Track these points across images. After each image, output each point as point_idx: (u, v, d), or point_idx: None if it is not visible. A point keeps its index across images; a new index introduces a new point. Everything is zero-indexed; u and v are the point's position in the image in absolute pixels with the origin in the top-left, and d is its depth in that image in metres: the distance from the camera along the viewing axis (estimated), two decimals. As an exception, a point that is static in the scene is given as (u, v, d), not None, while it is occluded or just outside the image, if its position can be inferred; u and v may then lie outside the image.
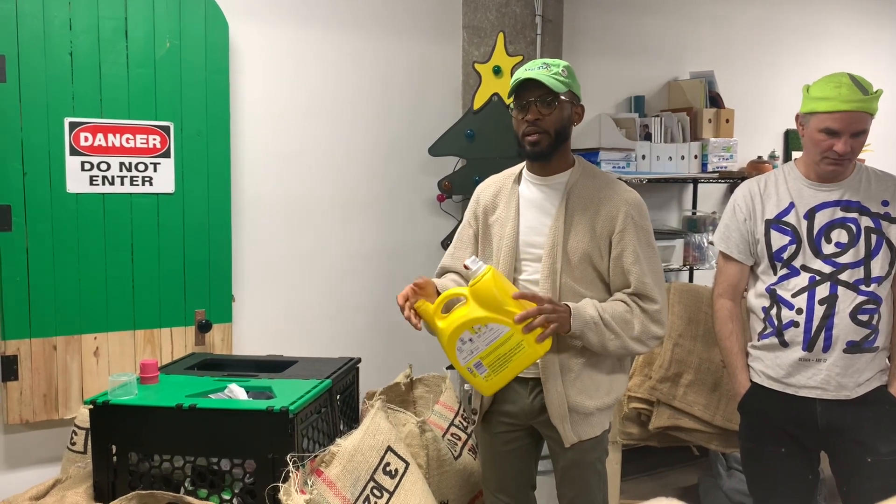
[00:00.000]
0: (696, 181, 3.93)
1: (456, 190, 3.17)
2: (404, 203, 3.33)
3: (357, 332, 3.20)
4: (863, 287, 1.99)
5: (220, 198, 2.85)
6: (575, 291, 1.90)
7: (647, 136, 3.70)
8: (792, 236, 2.04)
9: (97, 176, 2.66)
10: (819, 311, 1.99)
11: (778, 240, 2.06)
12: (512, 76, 1.96)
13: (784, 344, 2.05)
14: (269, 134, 3.04)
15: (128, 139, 2.69)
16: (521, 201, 1.99)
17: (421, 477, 2.11)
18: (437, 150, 3.16)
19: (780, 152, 4.34)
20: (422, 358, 3.01)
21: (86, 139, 2.63)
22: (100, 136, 2.65)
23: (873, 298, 1.99)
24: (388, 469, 1.99)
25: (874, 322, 2.00)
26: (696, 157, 3.75)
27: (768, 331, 2.09)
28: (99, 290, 2.68)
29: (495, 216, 2.02)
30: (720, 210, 4.16)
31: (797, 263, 2.03)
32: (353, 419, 2.36)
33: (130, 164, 2.70)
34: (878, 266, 2.00)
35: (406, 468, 2.04)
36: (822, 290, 2.00)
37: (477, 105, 3.12)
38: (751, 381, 2.15)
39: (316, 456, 1.88)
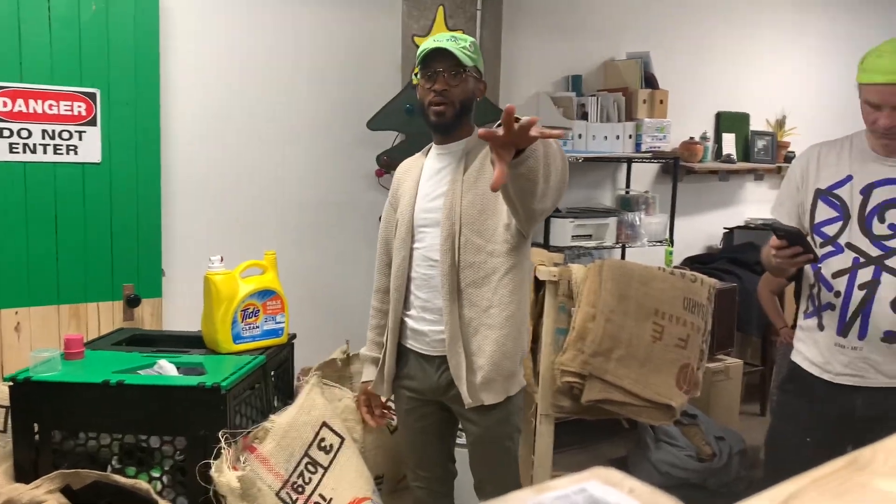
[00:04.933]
0: (630, 160, 4.01)
1: (395, 165, 3.15)
2: (342, 176, 3.29)
3: (292, 307, 3.15)
4: None
5: (149, 168, 2.76)
6: (476, 246, 1.90)
7: (584, 116, 3.75)
8: (840, 212, 1.89)
9: (17, 143, 2.53)
10: (857, 295, 1.86)
11: (823, 213, 1.92)
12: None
13: (821, 327, 1.95)
14: (202, 102, 2.95)
15: (51, 105, 2.57)
16: (423, 172, 2.03)
17: (356, 452, 2.11)
18: (376, 123, 3.13)
19: (710, 133, 4.45)
20: (359, 334, 3.00)
21: (4, 105, 2.49)
22: (20, 101, 2.52)
23: None
24: (323, 444, 1.98)
25: None
26: (630, 136, 3.82)
27: (810, 310, 2.00)
28: (20, 263, 2.56)
29: (402, 191, 2.08)
30: (653, 189, 4.25)
31: (842, 241, 1.89)
32: (287, 395, 2.33)
33: (54, 131, 2.58)
34: None
35: (341, 443, 2.04)
36: (865, 274, 1.85)
37: (416, 79, 3.09)
38: (794, 361, 2.06)
39: (249, 432, 1.86)
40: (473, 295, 1.91)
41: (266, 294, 2.20)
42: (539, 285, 2.84)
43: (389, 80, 3.30)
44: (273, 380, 2.22)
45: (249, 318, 2.16)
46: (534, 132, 1.46)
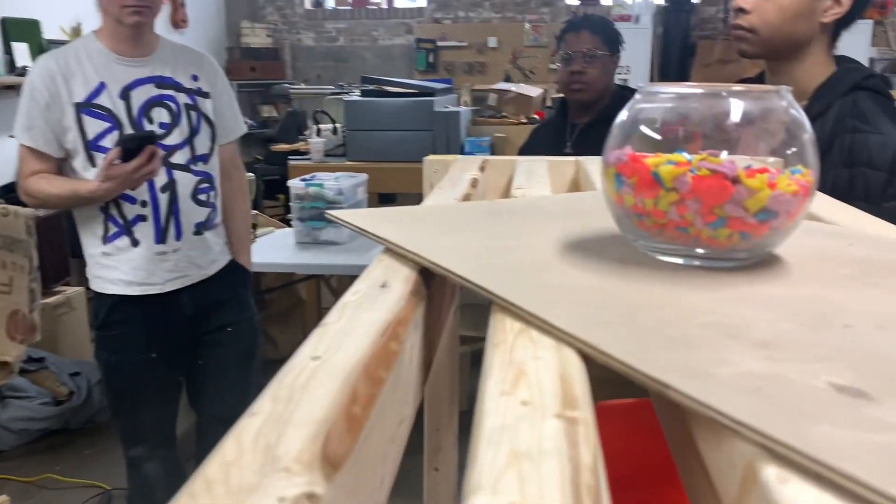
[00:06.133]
0: None
1: None
2: None
3: None
4: (194, 167, 1.93)
5: None
6: None
7: None
8: (111, 121, 1.83)
9: None
10: (163, 199, 1.88)
11: (94, 126, 1.81)
12: None
13: (135, 243, 1.88)
14: None
15: None
16: None
17: None
18: None
19: (-2, 43, 3.90)
20: None
21: None
22: None
23: (206, 177, 1.96)
24: None
25: (212, 200, 1.98)
26: None
27: (114, 232, 1.87)
28: None
29: None
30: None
31: None
32: None
33: None
34: (202, 143, 1.95)
35: None
36: (161, 177, 1.86)
37: None
38: (105, 294, 1.92)
39: None
40: None
41: None
42: None
43: None
44: None
45: None
46: None
